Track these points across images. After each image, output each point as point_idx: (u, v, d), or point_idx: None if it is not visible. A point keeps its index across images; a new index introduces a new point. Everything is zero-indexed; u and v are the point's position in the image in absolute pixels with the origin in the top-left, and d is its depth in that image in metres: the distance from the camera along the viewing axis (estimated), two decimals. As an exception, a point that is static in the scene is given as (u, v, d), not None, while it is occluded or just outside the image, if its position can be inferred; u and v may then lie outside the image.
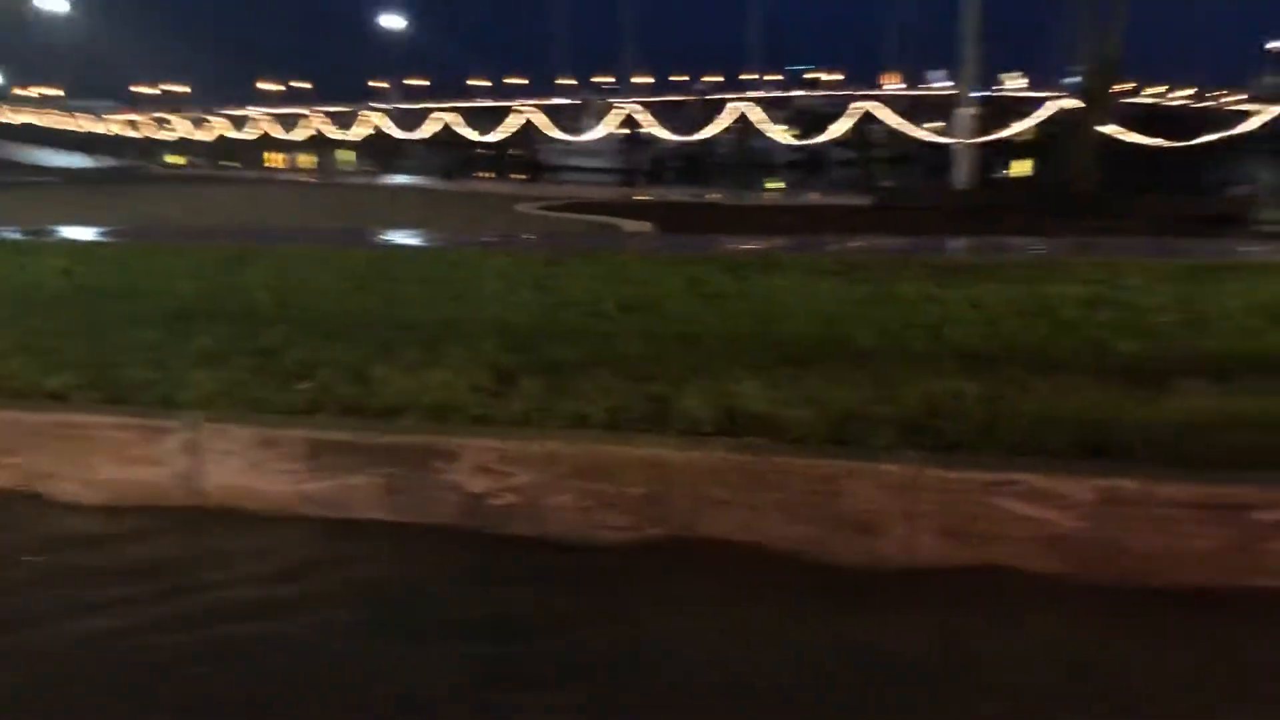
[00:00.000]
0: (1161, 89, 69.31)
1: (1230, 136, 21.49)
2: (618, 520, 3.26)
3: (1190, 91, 71.91)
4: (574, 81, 68.25)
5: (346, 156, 69.57)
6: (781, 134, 27.02)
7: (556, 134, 31.65)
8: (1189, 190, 19.92)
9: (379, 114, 64.50)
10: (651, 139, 28.01)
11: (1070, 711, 2.29)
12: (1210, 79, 71.42)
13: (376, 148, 63.47)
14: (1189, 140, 21.91)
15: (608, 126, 25.09)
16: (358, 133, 64.95)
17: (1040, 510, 2.98)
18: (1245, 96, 64.95)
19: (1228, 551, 2.86)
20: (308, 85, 78.59)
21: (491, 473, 3.35)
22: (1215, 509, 2.87)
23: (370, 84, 75.09)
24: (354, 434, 3.50)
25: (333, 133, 66.76)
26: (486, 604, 2.83)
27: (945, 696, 2.35)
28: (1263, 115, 18.77)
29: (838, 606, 2.83)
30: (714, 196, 15.59)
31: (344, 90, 72.53)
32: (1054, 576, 2.92)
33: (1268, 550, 2.83)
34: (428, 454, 3.40)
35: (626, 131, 24.21)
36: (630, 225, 11.61)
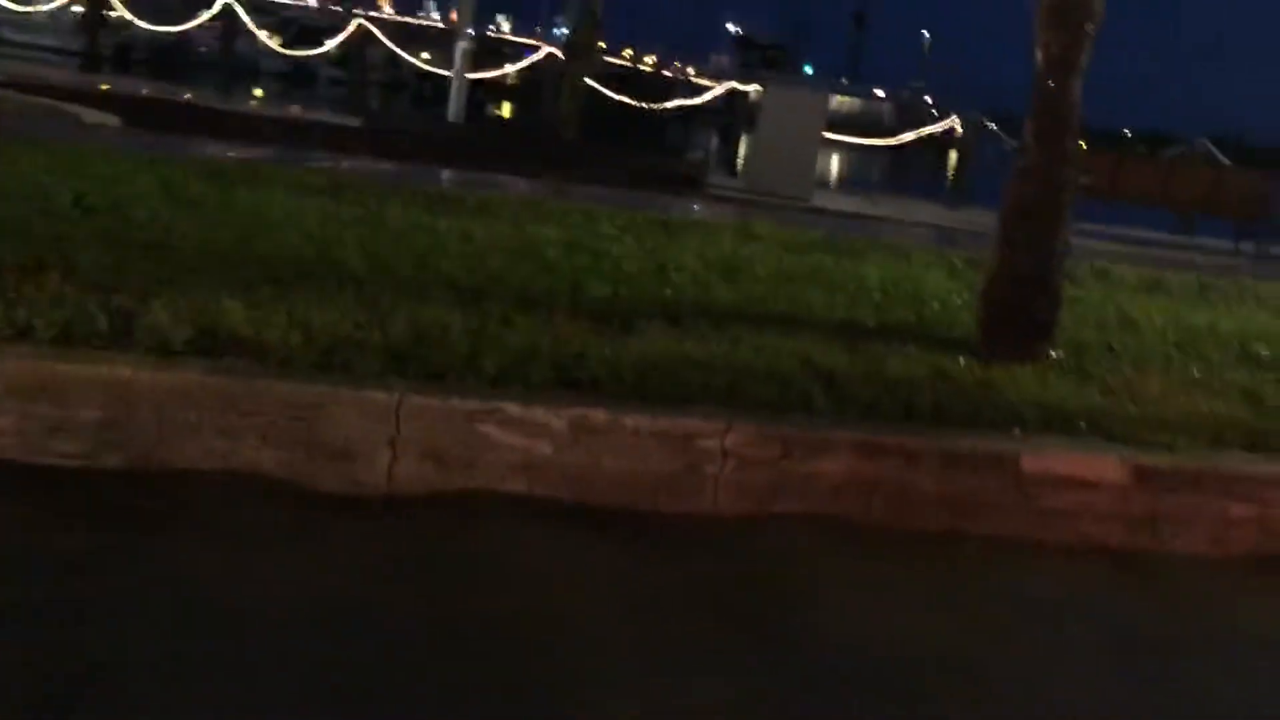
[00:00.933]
0: (630, 53, 75.61)
1: (692, 105, 23.98)
2: (65, 447, 2.91)
3: (654, 60, 79.22)
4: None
5: None
6: (268, 40, 25.45)
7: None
8: (655, 150, 21.91)
9: None
10: (122, 23, 25.07)
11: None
12: (672, 52, 79.13)
13: None
14: (658, 104, 24.09)
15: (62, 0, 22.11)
16: None
17: (519, 438, 3.12)
18: (697, 71, 72.94)
19: (680, 475, 3.20)
20: None
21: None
22: (670, 438, 3.20)
23: None
24: None
25: None
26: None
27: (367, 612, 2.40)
28: (716, 89, 21.20)
29: (306, 534, 2.77)
30: (189, 96, 14.33)
31: None
32: (529, 499, 3.08)
33: (710, 474, 3.21)
34: None
35: (84, 9, 21.28)
36: (92, 115, 10.29)
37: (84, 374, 2.95)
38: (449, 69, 15.22)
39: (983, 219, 8.90)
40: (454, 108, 14.42)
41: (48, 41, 29.67)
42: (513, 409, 3.12)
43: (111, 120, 10.39)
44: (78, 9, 22.13)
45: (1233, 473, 3.50)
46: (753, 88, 18.37)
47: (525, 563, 2.79)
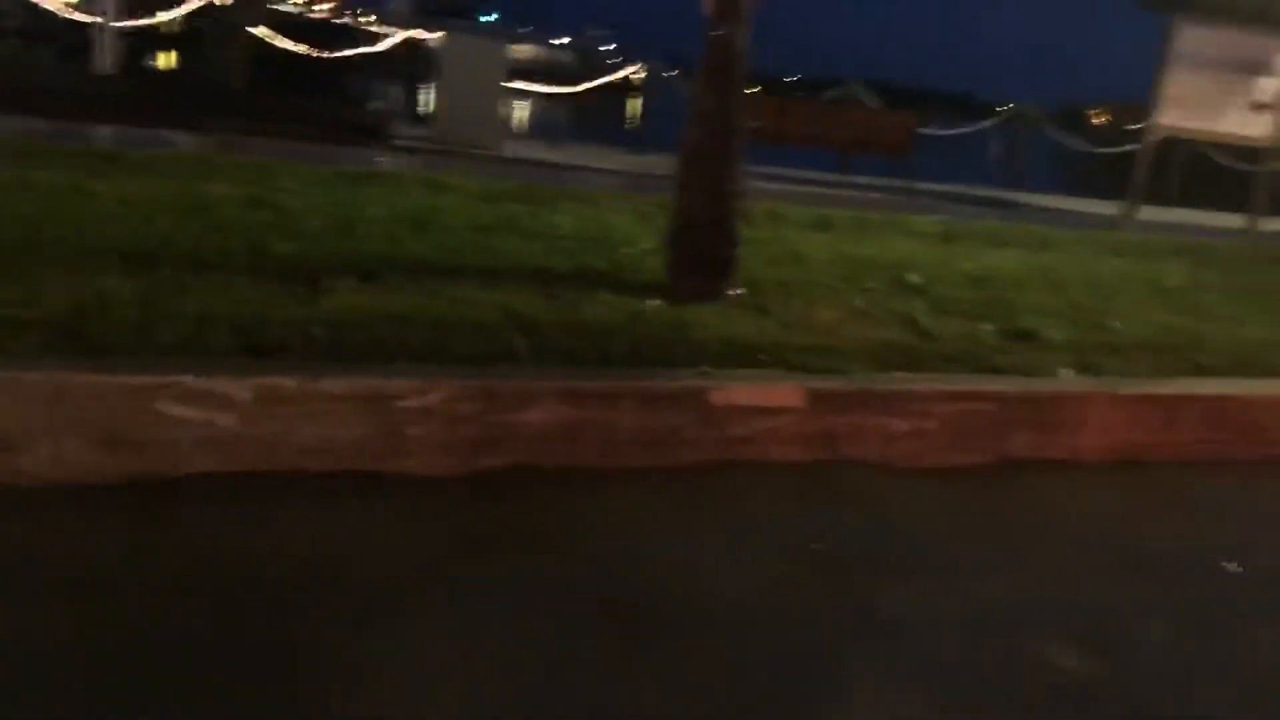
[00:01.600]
0: (303, 1, 72.27)
1: (370, 53, 23.14)
2: None
3: (329, 6, 76.20)
4: None
5: None
6: None
7: None
8: (335, 101, 21.01)
9: None
10: None
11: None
12: (344, -1, 76.53)
13: None
14: (334, 52, 23.09)
15: None
16: None
17: (199, 412, 2.94)
18: (375, 18, 70.89)
19: (378, 438, 3.13)
20: None
21: None
22: (368, 400, 3.11)
23: None
24: None
25: None
26: None
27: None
28: (394, 37, 20.59)
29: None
30: None
31: None
32: (210, 475, 2.92)
33: (410, 436, 3.16)
34: None
35: None
36: None
37: None
38: (96, 15, 13.86)
39: (665, 164, 9.22)
40: (104, 59, 13.17)
41: None
42: (189, 381, 2.93)
43: None
44: None
45: (893, 391, 3.84)
46: (434, 36, 17.97)
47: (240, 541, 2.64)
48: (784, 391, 3.65)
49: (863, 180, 14.70)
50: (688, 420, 3.51)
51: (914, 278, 5.76)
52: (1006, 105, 19.98)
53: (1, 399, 2.76)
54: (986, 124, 20.38)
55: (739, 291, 4.76)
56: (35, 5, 21.63)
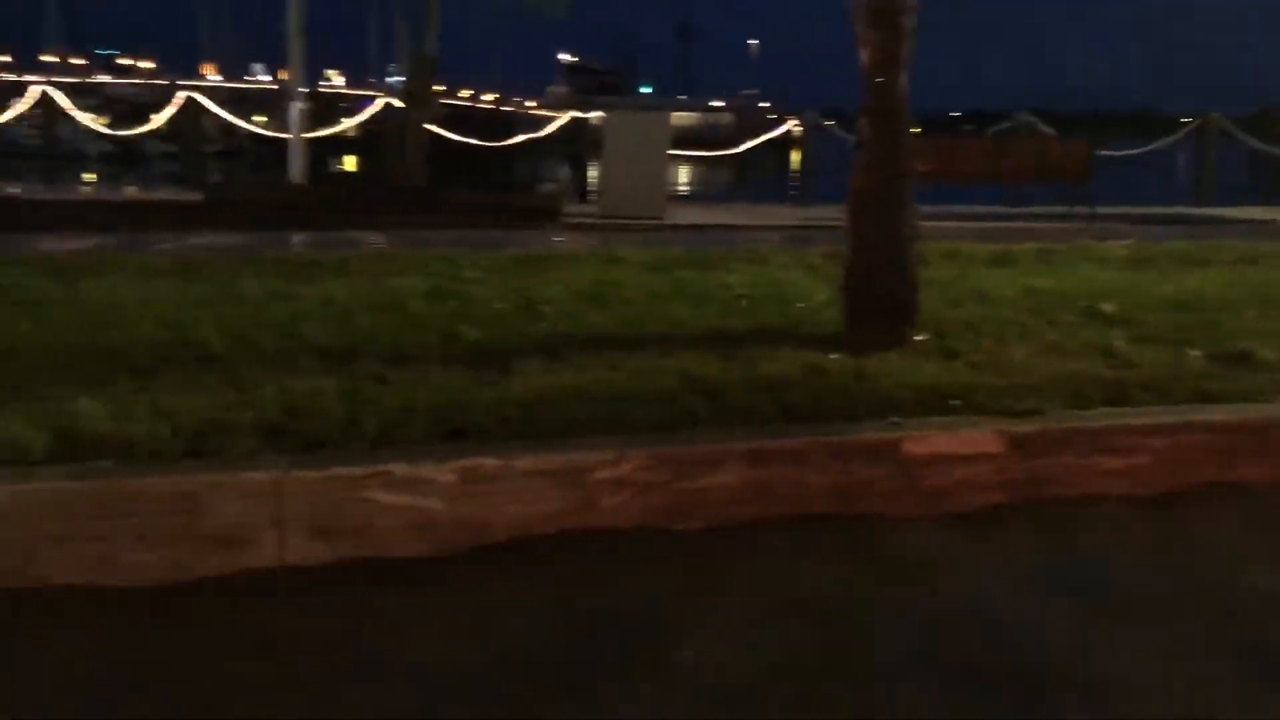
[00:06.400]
0: (469, 93, 75.98)
1: (535, 138, 24.04)
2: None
3: (494, 97, 79.77)
4: None
5: None
6: (92, 122, 24.50)
7: None
8: (505, 186, 21.87)
9: None
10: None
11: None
12: (510, 87, 80.00)
13: None
14: (503, 141, 24.09)
15: None
16: None
17: (408, 497, 3.07)
18: (539, 103, 73.63)
19: (574, 510, 3.19)
20: None
21: None
22: (560, 474, 3.18)
23: None
24: None
25: None
26: None
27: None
28: (559, 120, 21.30)
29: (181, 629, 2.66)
30: (15, 190, 13.73)
31: None
32: (421, 556, 3.02)
33: (604, 506, 3.21)
34: None
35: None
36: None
37: (-66, 499, 2.79)
38: (285, 130, 14.92)
39: (831, 215, 9.16)
40: (295, 169, 14.14)
41: None
42: (397, 468, 3.07)
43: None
44: None
45: (1099, 428, 3.66)
46: (594, 114, 18.51)
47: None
48: (982, 436, 3.53)
49: (1040, 210, 14.22)
50: (881, 473, 3.44)
51: (1108, 306, 5.51)
52: (1189, 118, 18.95)
53: (229, 499, 2.95)
54: (1170, 139, 19.41)
55: (922, 336, 4.65)
56: (230, 126, 23.49)
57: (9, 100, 22.62)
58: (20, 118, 21.58)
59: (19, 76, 55.24)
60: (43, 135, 21.49)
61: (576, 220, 12.31)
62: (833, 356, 4.28)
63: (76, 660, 2.48)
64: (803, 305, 5.46)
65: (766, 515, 3.31)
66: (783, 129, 22.51)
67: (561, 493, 3.18)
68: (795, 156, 26.01)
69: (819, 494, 3.38)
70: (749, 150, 22.06)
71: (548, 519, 3.16)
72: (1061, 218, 13.24)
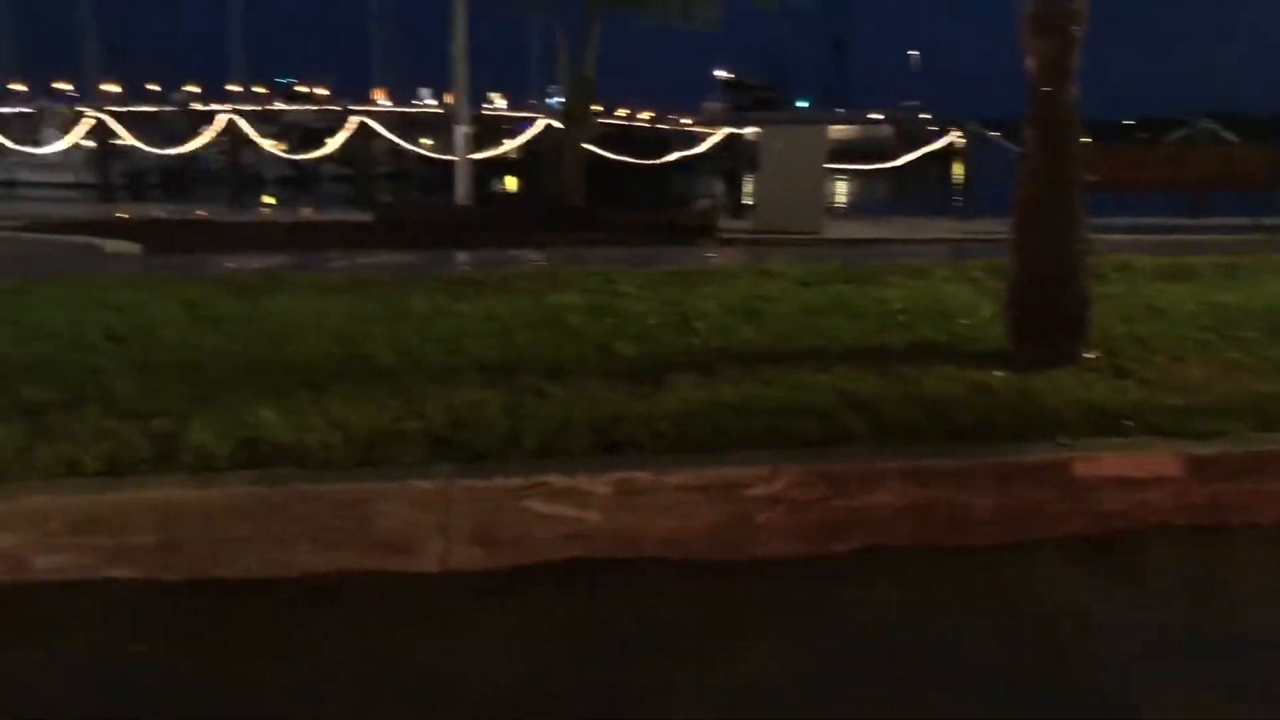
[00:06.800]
0: (625, 112, 77.13)
1: (690, 155, 24.20)
2: (124, 573, 2.94)
3: (649, 114, 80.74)
4: (24, 88, 61.06)
5: None
6: (273, 148, 25.96)
7: (9, 145, 27.93)
8: (660, 203, 22.05)
9: None
10: (127, 151, 25.69)
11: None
12: (664, 104, 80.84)
13: None
14: (658, 158, 24.36)
15: (73, 137, 22.52)
16: None
17: (565, 508, 3.13)
18: (694, 120, 74.10)
19: (728, 526, 3.18)
20: None
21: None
22: (714, 489, 3.19)
23: None
24: None
25: None
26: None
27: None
28: (714, 136, 21.34)
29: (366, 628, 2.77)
30: (203, 213, 14.68)
31: None
32: (576, 562, 3.07)
33: (759, 523, 3.19)
34: None
35: (94, 144, 21.88)
36: (113, 245, 10.50)
37: (135, 500, 3.00)
38: (450, 152, 15.44)
39: (994, 227, 8.88)
40: (460, 190, 14.62)
41: (63, 178, 30.42)
42: (556, 480, 3.13)
43: (132, 248, 10.60)
44: (88, 144, 22.68)
45: (1288, 450, 3.44)
46: (749, 129, 18.50)
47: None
48: (1160, 459, 3.36)
49: (1220, 221, 13.45)
50: (1050, 495, 3.31)
51: (1297, 322, 5.17)
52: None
53: (398, 505, 3.07)
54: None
55: (1093, 353, 4.47)
56: (398, 148, 24.49)
57: (199, 128, 24.13)
58: (209, 144, 23.00)
59: (206, 106, 58.86)
60: (228, 160, 22.80)
61: (731, 235, 12.31)
62: (997, 374, 4.15)
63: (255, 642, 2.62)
64: (965, 321, 5.31)
65: (928, 538, 3.24)
66: (944, 140, 22.02)
67: (714, 508, 3.18)
68: (957, 169, 25.39)
69: (982, 516, 3.28)
70: (909, 163, 21.66)
71: (699, 534, 3.16)
72: (1246, 229, 12.49)
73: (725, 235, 12.30)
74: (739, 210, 16.12)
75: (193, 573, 2.97)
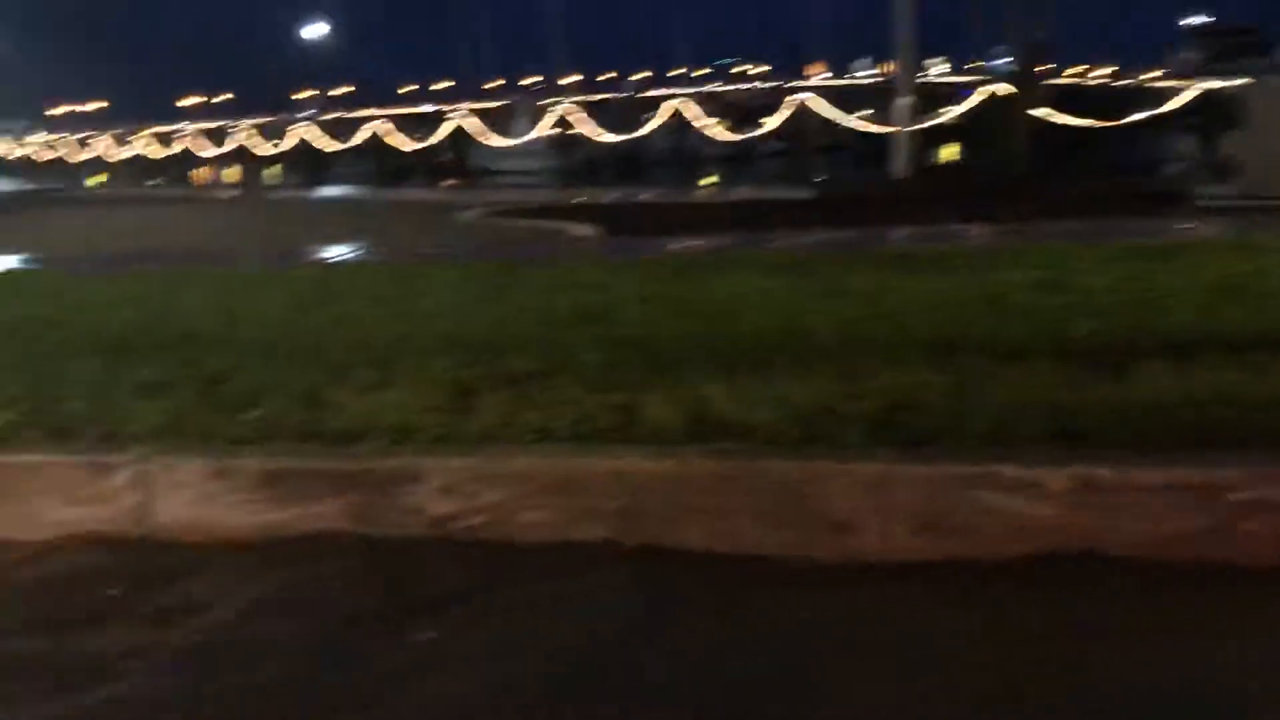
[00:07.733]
0: (1081, 69, 70.71)
1: (1156, 114, 21.91)
2: (591, 533, 3.19)
3: (1109, 71, 73.53)
4: (501, 83, 68.24)
5: (273, 170, 68.05)
6: (716, 129, 27.04)
7: (491, 138, 31.44)
8: (1121, 170, 20.27)
9: (306, 125, 63.57)
10: (584, 139, 27.94)
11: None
12: (1126, 58, 73.20)
13: (304, 159, 62.27)
14: (1117, 120, 22.34)
15: (541, 128, 24.87)
16: (285, 144, 63.75)
17: (1016, 501, 2.96)
18: (1162, 73, 66.66)
19: (1203, 534, 2.86)
20: (230, 97, 77.56)
21: (458, 494, 3.27)
22: (1189, 491, 2.87)
23: (294, 96, 74.51)
24: (314, 461, 3.40)
25: (259, 146, 65.36)
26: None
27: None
28: (1187, 93, 19.05)
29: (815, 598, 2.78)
30: (650, 195, 15.61)
31: (269, 102, 71.66)
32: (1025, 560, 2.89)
33: (1243, 531, 2.84)
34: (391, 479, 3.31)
35: (558, 132, 24.07)
36: (575, 229, 11.53)
37: (599, 467, 3.24)
38: (886, 124, 15.23)
39: None
40: (899, 163, 14.38)
41: (528, 165, 33.88)
42: (1008, 470, 2.97)
43: (591, 231, 11.54)
44: (548, 132, 25.04)
45: None
46: (1229, 82, 16.47)
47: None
48: None
49: None
50: None
51: None
52: None
53: (840, 487, 3.07)
54: None
55: None
56: (832, 123, 24.59)
57: (646, 114, 25.72)
58: (657, 128, 24.48)
59: (654, 91, 62.48)
60: (673, 143, 24.12)
61: (1210, 203, 11.06)
62: None
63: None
64: None
65: None
66: None
67: (1186, 512, 2.86)
68: None
69: None
70: None
71: (1167, 539, 2.86)
72: None
73: (1204, 203, 11.07)
74: (1220, 174, 14.43)
75: (647, 538, 3.16)
